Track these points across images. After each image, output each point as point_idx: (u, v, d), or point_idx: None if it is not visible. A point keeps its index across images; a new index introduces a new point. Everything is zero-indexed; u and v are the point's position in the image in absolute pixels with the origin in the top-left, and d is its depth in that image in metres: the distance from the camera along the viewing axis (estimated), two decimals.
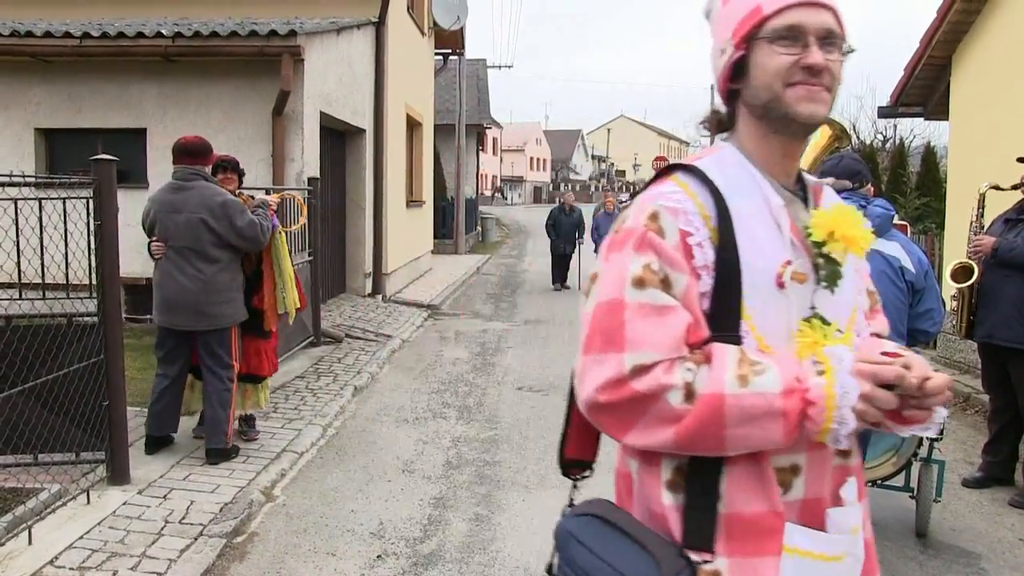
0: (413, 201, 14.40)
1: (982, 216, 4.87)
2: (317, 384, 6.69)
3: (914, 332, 3.46)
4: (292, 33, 7.91)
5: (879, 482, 3.97)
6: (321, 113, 8.96)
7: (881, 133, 23.08)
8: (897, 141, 20.55)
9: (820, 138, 5.22)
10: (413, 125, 14.59)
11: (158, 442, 4.78)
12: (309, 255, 7.97)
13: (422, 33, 14.76)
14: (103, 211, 4.05)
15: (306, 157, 8.43)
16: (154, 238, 4.60)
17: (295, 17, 9.65)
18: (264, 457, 4.87)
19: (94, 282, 4.12)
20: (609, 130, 76.00)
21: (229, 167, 4.92)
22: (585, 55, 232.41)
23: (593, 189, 67.84)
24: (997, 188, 4.83)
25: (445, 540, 3.93)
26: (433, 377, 7.38)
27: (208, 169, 4.70)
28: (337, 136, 10.55)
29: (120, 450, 4.25)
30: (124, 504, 4.03)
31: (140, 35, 7.91)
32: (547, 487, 4.64)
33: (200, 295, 4.52)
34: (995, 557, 3.86)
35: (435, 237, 18.00)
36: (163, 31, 7.97)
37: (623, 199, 16.36)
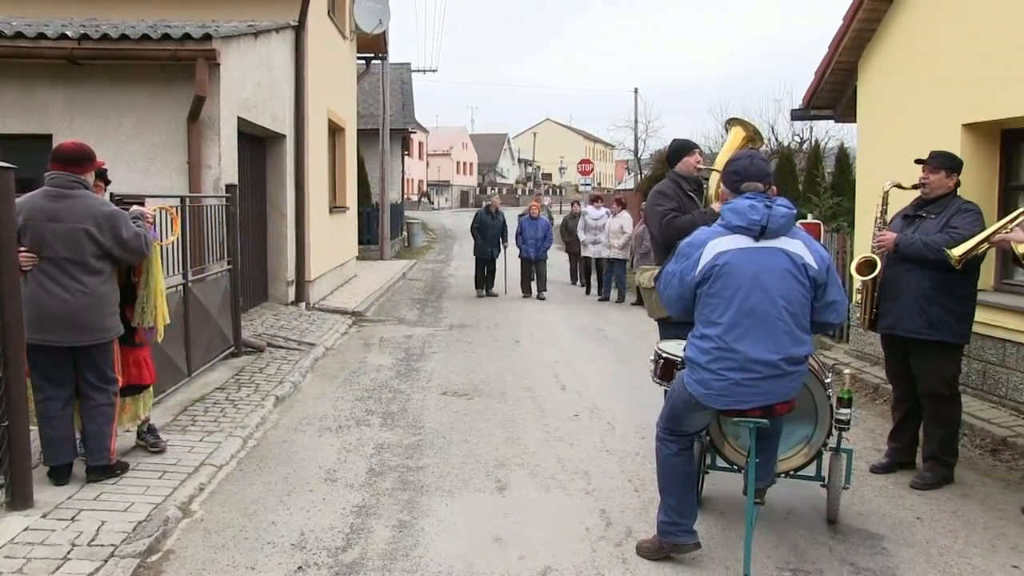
0: (336, 207, 14.21)
1: (885, 213, 5.07)
2: (238, 395, 6.53)
3: (822, 324, 3.57)
4: (207, 36, 7.69)
5: (792, 473, 4.12)
6: (239, 119, 8.75)
7: (798, 135, 23.92)
8: (813, 143, 21.32)
9: (734, 140, 5.42)
10: (335, 130, 14.39)
11: (68, 470, 4.49)
12: (228, 263, 7.78)
13: (344, 37, 14.58)
14: (0, 221, 3.87)
15: (224, 164, 8.22)
16: (22, 248, 4.23)
17: (211, 20, 9.39)
18: (181, 472, 4.72)
19: None
20: (535, 134, 76.47)
21: (97, 174, 4.71)
22: (510, 60, 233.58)
23: (520, 193, 68.18)
24: (900, 187, 5.05)
25: (368, 548, 3.89)
26: (357, 384, 7.29)
27: (90, 178, 4.50)
28: (257, 142, 10.33)
29: (22, 473, 4.04)
30: (25, 530, 3.83)
31: (42, 36, 7.57)
32: (470, 491, 4.63)
33: (84, 309, 4.30)
34: (896, 536, 4.06)
35: (360, 243, 17.81)
36: (68, 32, 7.64)
37: (546, 202, 16.23)
